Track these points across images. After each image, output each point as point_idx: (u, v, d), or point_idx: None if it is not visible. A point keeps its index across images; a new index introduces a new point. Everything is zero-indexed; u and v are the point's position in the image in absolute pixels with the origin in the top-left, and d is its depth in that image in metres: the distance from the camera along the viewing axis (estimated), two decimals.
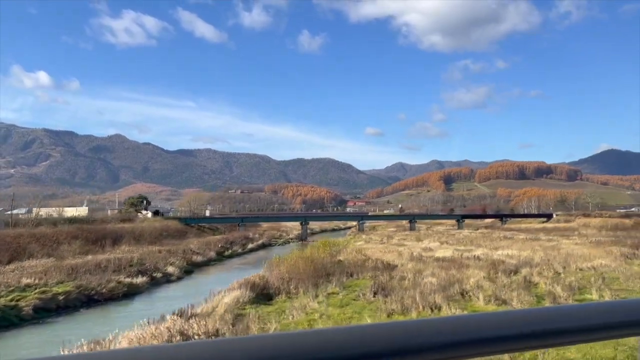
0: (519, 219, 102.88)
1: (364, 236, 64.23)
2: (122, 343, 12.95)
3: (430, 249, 39.03)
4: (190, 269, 38.04)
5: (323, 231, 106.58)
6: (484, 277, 21.11)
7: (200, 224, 77.32)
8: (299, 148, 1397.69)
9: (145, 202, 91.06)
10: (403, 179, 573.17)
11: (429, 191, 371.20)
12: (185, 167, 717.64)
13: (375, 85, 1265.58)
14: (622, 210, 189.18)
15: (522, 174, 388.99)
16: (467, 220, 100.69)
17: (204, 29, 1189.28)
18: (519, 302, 15.60)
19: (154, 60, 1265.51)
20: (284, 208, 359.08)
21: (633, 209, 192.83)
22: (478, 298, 16.64)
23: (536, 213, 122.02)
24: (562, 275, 22.61)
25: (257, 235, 65.63)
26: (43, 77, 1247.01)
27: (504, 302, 15.84)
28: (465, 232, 73.82)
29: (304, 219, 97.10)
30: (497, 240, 51.16)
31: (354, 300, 17.96)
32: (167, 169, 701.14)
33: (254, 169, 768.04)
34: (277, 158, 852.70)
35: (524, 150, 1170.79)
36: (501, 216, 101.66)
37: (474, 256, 31.33)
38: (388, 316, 14.65)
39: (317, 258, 25.62)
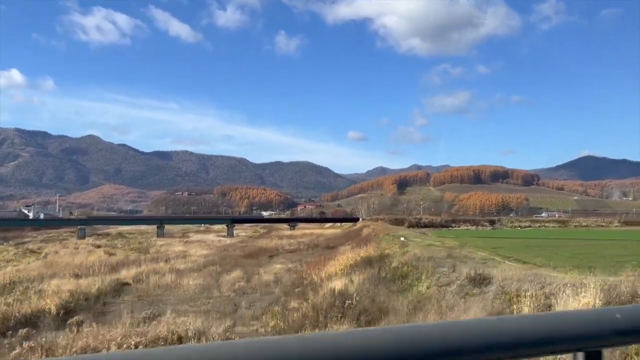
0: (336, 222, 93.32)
1: None
2: None
3: None
4: None
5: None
6: None
7: None
8: (279, 151, 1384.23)
9: None
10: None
11: (382, 195, 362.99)
12: (159, 169, 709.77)
13: (356, 89, 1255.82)
14: (541, 216, 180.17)
15: (478, 178, 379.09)
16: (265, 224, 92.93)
17: (178, 28, 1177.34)
18: None
19: (133, 60, 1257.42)
20: (228, 211, 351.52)
21: (543, 215, 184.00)
22: None
23: (345, 217, 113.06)
24: None
25: None
26: (16, 75, 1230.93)
27: None
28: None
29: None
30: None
31: None
32: (140, 170, 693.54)
33: (231, 171, 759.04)
34: (255, 161, 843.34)
35: (506, 156, 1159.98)
36: (288, 220, 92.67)
37: None
38: None
39: None
